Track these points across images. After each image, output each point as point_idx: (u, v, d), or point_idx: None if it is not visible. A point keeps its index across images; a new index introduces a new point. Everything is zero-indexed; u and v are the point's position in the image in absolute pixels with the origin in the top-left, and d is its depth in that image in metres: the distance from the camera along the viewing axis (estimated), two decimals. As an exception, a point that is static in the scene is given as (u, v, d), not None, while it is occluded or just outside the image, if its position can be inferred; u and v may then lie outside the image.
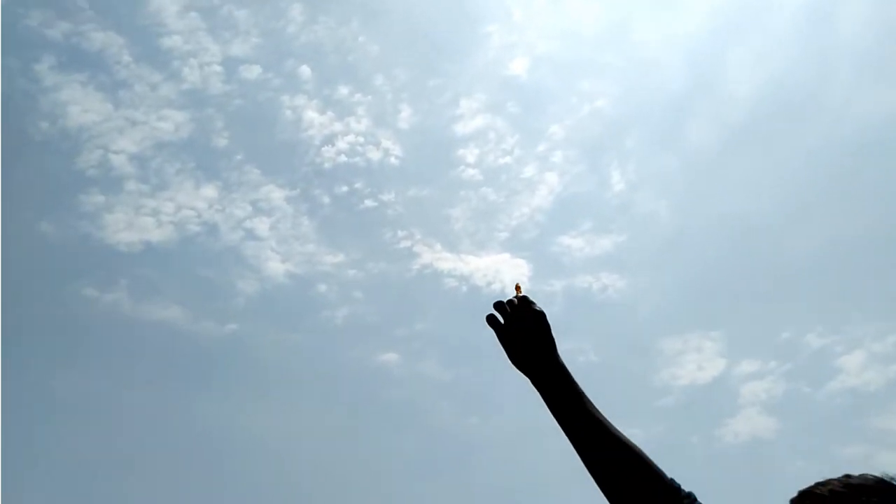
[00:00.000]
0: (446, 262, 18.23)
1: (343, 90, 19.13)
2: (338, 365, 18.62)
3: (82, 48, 17.20)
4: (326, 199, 18.93)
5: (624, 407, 16.98)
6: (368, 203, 18.74)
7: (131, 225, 17.25)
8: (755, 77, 19.53)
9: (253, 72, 18.44)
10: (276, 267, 18.13)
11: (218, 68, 18.10)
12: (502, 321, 1.42)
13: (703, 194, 20.36)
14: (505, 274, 18.33)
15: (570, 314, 18.49)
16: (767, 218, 19.55)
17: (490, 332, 1.44)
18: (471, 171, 19.47)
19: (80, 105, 17.21)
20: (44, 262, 17.26)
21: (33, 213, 17.35)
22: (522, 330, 1.39)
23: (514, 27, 20.16)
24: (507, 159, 19.62)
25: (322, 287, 18.56)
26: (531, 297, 1.42)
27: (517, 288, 1.47)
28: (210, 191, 18.07)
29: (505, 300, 1.44)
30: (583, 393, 1.32)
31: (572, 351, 17.86)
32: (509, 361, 1.41)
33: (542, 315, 1.39)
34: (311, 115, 18.78)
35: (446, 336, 18.90)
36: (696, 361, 17.76)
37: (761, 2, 19.32)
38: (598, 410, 1.29)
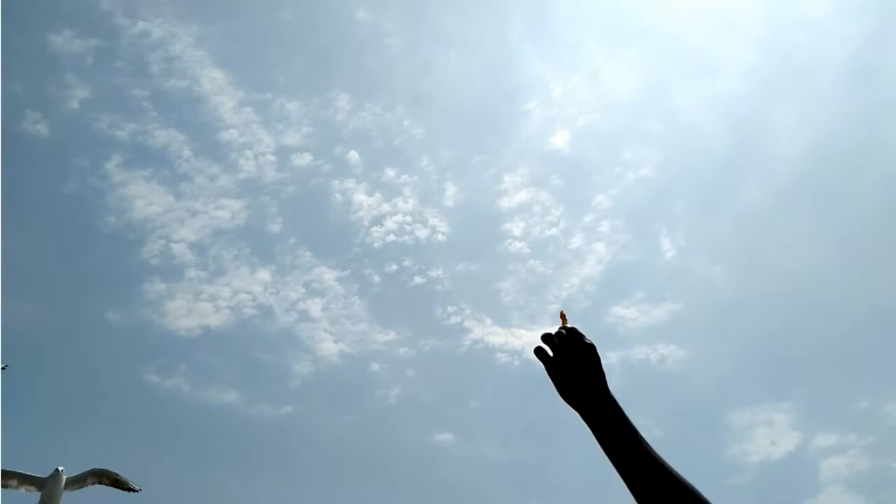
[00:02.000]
0: (498, 336, 18.08)
1: (390, 172, 19.82)
2: (393, 445, 18.35)
3: (147, 145, 18.49)
4: (377, 278, 19.27)
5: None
6: (418, 280, 18.97)
7: (191, 311, 17.87)
8: (801, 135, 19.32)
9: (304, 159, 19.37)
10: (329, 347, 18.32)
11: (272, 157, 19.10)
12: (551, 353, 1.39)
13: (758, 256, 19.82)
14: (558, 346, 17.96)
15: (630, 387, 17.88)
16: (831, 277, 18.80)
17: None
18: (518, 245, 19.60)
19: (145, 198, 18.33)
20: (110, 349, 17.95)
21: (102, 302, 18.21)
22: (572, 363, 1.35)
23: (554, 102, 20.69)
24: (554, 231, 19.70)
25: (375, 366, 18.58)
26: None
27: (562, 316, 1.44)
28: (265, 274, 18.67)
29: (553, 331, 1.40)
30: (636, 429, 1.26)
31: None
32: (559, 395, 1.37)
33: (592, 348, 1.36)
34: (360, 197, 19.45)
35: (501, 413, 18.48)
36: (769, 435, 16.74)
37: (801, 61, 19.35)
38: (652, 448, 1.23)
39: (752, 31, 20.22)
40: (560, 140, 20.43)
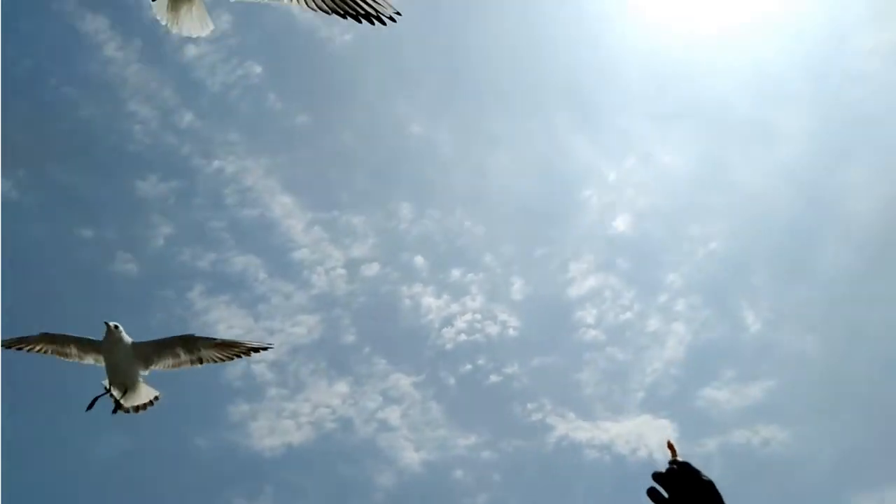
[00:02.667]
0: (584, 431, 17.25)
1: (455, 273, 20.07)
2: (485, 558, 17.31)
3: (226, 272, 19.55)
4: (452, 381, 19.02)
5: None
6: (493, 378, 18.60)
7: (273, 430, 18.03)
8: (877, 190, 18.50)
9: (373, 269, 19.93)
10: (410, 456, 17.93)
11: (342, 271, 19.76)
12: (666, 495, 1.29)
13: (852, 320, 18.50)
14: (649, 437, 16.98)
15: (734, 476, 16.47)
16: (940, 336, 17.26)
17: None
18: (592, 332, 19.08)
19: (226, 322, 19.12)
20: (199, 475, 18.16)
21: (190, 428, 18.67)
22: None
23: (610, 187, 20.77)
24: (628, 315, 19.13)
25: (458, 473, 17.96)
26: (688, 459, 1.30)
27: (670, 447, 1.34)
28: (342, 386, 18.78)
29: (664, 468, 1.31)
30: None
31: (746, 520, 15.61)
32: None
33: (711, 485, 1.26)
34: (428, 300, 19.66)
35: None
36: (903, 521, 14.87)
37: (862, 115, 18.90)
38: None
39: (803, 91, 20.04)
40: (622, 224, 20.29)
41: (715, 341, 18.90)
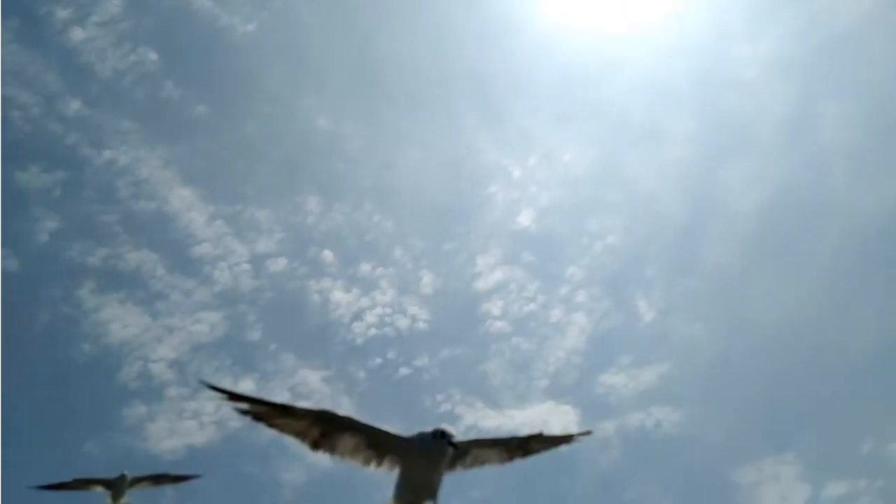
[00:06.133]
0: (491, 419, 17.79)
1: (365, 267, 20.06)
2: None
3: (119, 269, 18.52)
4: (362, 374, 19.02)
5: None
6: (403, 371, 18.79)
7: (174, 431, 17.31)
8: (755, 191, 20.23)
9: (279, 264, 19.53)
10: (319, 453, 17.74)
11: (246, 266, 19.23)
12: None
13: (735, 310, 20.18)
14: (554, 423, 17.75)
15: (630, 457, 17.56)
16: (808, 322, 19.14)
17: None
18: (499, 324, 19.68)
19: (120, 321, 18.13)
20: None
21: (79, 433, 17.56)
22: None
23: (515, 184, 21.48)
24: (532, 306, 19.89)
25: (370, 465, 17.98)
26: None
27: None
28: (248, 383, 18.31)
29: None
30: None
31: (641, 499, 16.66)
32: None
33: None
34: (338, 295, 19.52)
35: (503, 501, 17.83)
36: (778, 491, 16.42)
37: (742, 120, 20.57)
38: None
39: (688, 96, 21.55)
40: (526, 219, 21.07)
41: (613, 330, 20.04)
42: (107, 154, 19.36)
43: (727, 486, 17.00)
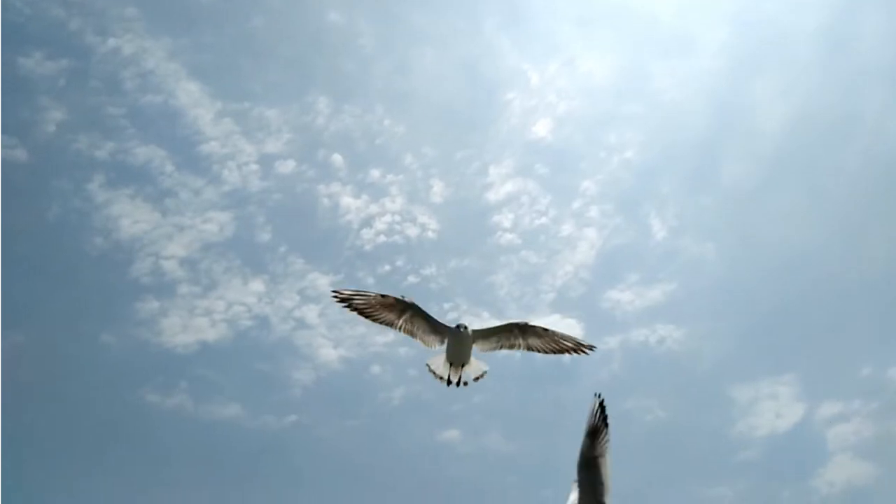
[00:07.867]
0: (496, 329, 18.01)
1: (375, 173, 19.78)
2: (400, 446, 18.31)
3: (128, 163, 18.36)
4: (371, 280, 19.23)
5: (703, 464, 16.00)
6: (412, 279, 18.94)
7: (186, 327, 17.77)
8: (782, 108, 19.41)
9: (288, 166, 19.29)
10: (328, 353, 18.26)
11: (255, 167, 19.01)
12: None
13: (748, 232, 19.92)
14: (556, 335, 17.96)
15: (631, 370, 17.94)
16: (820, 247, 18.93)
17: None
18: (508, 236, 19.60)
19: (131, 217, 18.18)
20: (108, 372, 17.80)
21: (94, 325, 18.07)
22: None
23: (533, 91, 20.70)
24: (544, 220, 19.72)
25: (376, 368, 18.54)
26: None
27: None
28: (258, 285, 18.59)
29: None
30: None
31: (638, 409, 17.17)
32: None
33: None
34: (347, 200, 19.39)
35: (506, 407, 18.47)
36: (773, 409, 16.81)
37: (775, 34, 19.43)
38: None
39: (723, 4, 20.27)
40: (542, 129, 20.45)
41: (623, 247, 19.91)
42: (111, 42, 18.66)
43: (724, 400, 17.45)
